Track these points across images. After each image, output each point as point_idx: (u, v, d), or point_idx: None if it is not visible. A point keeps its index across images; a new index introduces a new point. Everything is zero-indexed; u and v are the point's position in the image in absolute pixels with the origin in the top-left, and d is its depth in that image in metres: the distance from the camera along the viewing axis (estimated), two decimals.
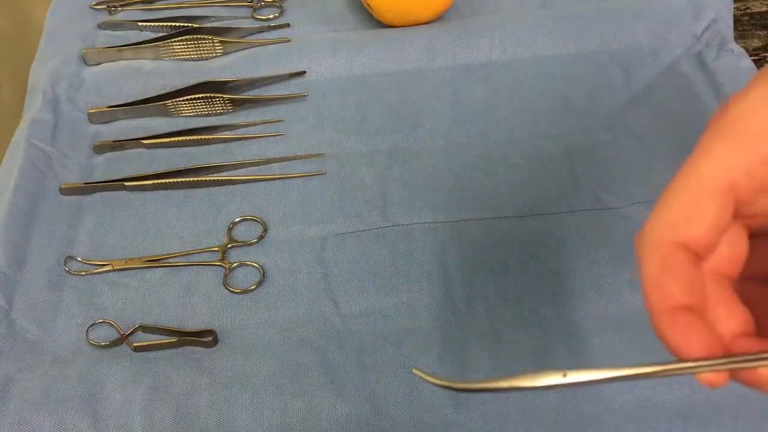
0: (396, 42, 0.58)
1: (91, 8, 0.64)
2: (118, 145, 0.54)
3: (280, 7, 0.64)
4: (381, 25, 0.61)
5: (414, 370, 0.25)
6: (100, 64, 0.59)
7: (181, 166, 0.52)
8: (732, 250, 0.25)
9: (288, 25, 0.62)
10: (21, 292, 0.46)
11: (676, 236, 0.23)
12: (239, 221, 0.49)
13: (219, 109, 0.56)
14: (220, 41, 0.59)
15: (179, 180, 0.51)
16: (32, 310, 0.45)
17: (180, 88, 0.56)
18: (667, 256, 0.23)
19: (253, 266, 0.47)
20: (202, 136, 0.54)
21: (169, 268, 0.47)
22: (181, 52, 0.59)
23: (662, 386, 0.40)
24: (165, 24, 0.62)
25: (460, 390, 0.24)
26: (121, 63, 0.59)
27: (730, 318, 0.24)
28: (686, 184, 0.23)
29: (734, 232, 0.25)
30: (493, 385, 0.23)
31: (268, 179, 0.51)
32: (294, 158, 0.52)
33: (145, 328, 0.44)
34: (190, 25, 0.61)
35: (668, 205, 0.23)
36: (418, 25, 0.60)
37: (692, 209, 0.23)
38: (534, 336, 0.42)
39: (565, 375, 0.23)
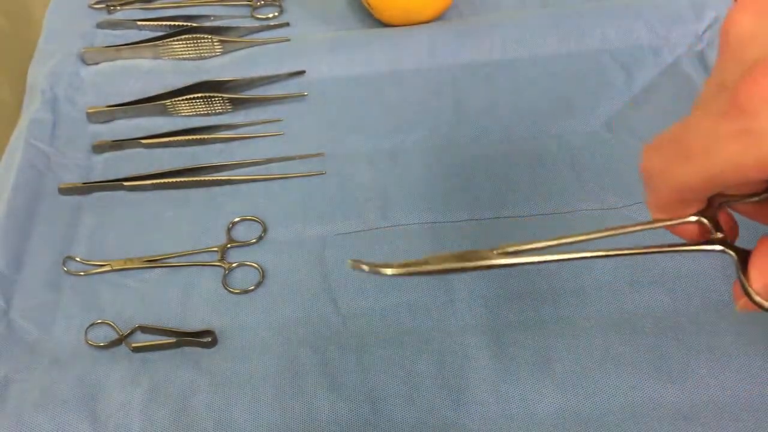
0: (396, 41, 0.58)
1: (90, 8, 0.64)
2: (117, 144, 0.54)
3: (280, 6, 0.63)
4: (381, 24, 0.60)
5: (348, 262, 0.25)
6: (99, 63, 0.59)
7: (180, 165, 0.52)
8: None
9: (287, 24, 0.62)
10: (19, 293, 0.46)
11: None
12: (238, 221, 0.49)
13: (218, 109, 0.55)
14: (220, 40, 0.59)
15: (178, 180, 0.51)
16: (31, 310, 0.45)
17: (179, 87, 0.56)
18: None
19: (253, 266, 0.46)
20: (201, 136, 0.54)
21: (168, 268, 0.47)
22: (180, 51, 0.59)
23: (664, 386, 0.40)
24: (164, 23, 0.62)
25: (390, 275, 0.24)
26: (120, 62, 0.59)
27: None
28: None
29: None
30: (423, 269, 0.24)
31: (268, 179, 0.51)
32: (294, 158, 0.52)
33: (144, 329, 0.43)
34: (189, 24, 0.61)
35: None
36: (418, 24, 0.60)
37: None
38: (534, 336, 0.42)
39: (497, 253, 0.25)
